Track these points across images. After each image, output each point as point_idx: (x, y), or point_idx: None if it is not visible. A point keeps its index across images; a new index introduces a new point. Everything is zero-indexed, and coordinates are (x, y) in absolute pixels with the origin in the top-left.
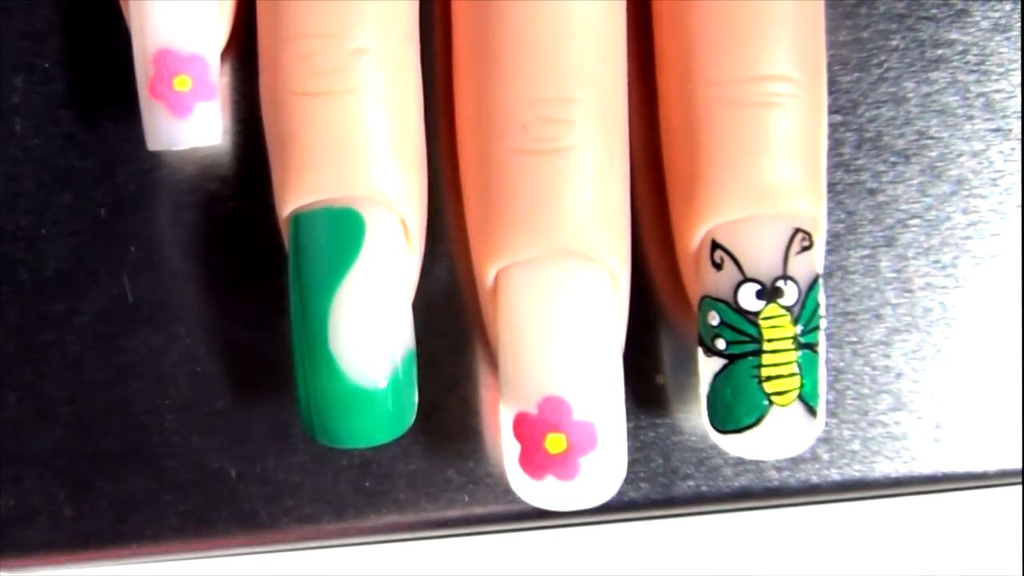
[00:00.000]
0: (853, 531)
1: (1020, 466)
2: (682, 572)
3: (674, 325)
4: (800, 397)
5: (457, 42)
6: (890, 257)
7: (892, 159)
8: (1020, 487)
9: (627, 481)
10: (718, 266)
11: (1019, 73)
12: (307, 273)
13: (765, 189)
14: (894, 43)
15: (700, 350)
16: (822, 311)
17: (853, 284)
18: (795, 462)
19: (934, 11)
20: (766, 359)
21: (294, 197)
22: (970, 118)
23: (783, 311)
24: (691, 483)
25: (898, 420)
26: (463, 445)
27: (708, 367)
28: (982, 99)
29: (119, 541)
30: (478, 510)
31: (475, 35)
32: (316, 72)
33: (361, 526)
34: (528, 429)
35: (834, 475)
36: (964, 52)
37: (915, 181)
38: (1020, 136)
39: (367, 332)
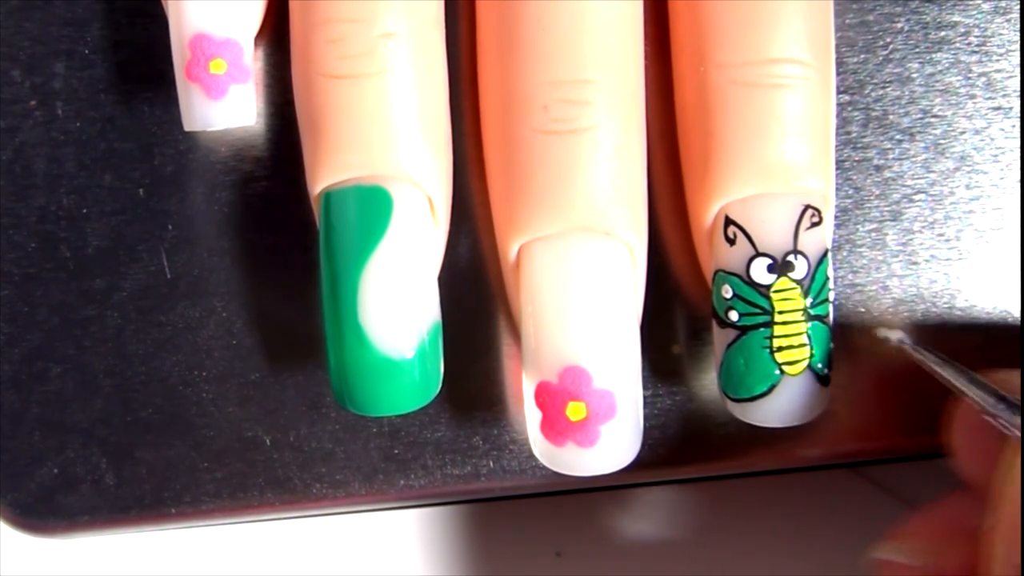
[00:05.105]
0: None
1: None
2: (697, 535)
3: (689, 298)
4: (810, 366)
5: (481, 27)
6: (896, 231)
7: (898, 137)
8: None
9: (644, 447)
10: (731, 241)
11: (1019, 54)
12: (337, 248)
13: (776, 167)
14: (899, 25)
15: (714, 322)
16: (831, 284)
17: (861, 257)
18: (807, 430)
19: None
20: (777, 330)
21: (325, 176)
22: (972, 97)
23: (793, 284)
24: (706, 449)
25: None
26: (487, 413)
27: (722, 338)
28: (983, 79)
29: (159, 507)
30: (502, 475)
31: (498, 20)
32: (344, 55)
33: (390, 491)
34: (549, 397)
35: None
36: (966, 34)
37: (920, 158)
38: (1020, 114)
39: (395, 305)
